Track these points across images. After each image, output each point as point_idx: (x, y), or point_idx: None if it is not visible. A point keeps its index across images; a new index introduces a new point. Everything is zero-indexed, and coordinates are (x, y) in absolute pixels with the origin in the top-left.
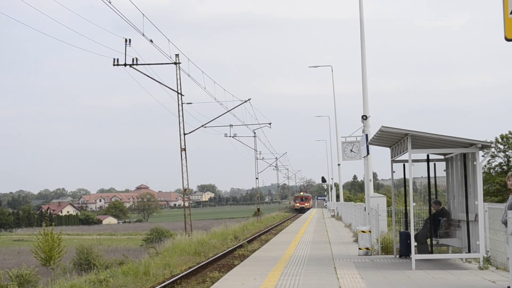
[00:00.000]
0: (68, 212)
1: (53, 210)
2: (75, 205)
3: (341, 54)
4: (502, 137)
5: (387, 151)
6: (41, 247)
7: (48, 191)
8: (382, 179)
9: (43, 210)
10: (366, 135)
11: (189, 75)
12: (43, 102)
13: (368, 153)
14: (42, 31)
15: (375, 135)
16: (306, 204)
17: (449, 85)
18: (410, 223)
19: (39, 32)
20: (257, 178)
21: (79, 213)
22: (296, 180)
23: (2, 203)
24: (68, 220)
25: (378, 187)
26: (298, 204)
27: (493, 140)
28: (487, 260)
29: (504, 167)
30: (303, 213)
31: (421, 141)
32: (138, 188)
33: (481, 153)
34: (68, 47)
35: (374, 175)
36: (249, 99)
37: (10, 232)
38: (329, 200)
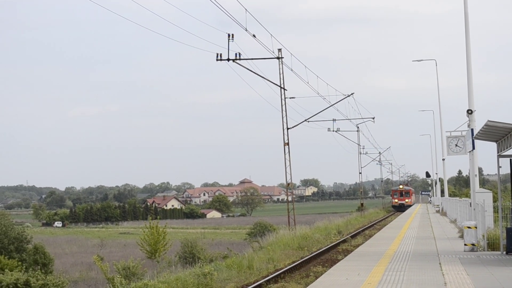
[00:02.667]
0: (172, 205)
1: (158, 204)
2: (179, 199)
3: (446, 48)
4: None
5: (493, 145)
6: (146, 240)
7: (153, 185)
8: (488, 174)
9: (148, 204)
10: (472, 130)
11: (292, 70)
12: (147, 97)
13: (473, 148)
14: (146, 26)
15: (480, 130)
16: (406, 200)
17: None
18: None
19: (143, 28)
20: (360, 173)
21: (183, 207)
22: (400, 175)
23: (108, 196)
24: (173, 214)
25: (483, 183)
26: (396, 200)
27: None
28: None
29: None
30: (403, 211)
31: None
32: (242, 182)
33: None
34: (172, 42)
35: (480, 170)
36: (352, 93)
37: (116, 225)
38: (433, 195)
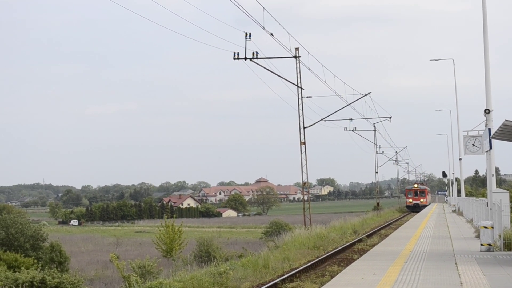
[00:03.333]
0: (188, 204)
1: (174, 203)
2: (195, 197)
3: (464, 47)
4: None
5: (510, 145)
6: (162, 239)
7: (169, 183)
8: (505, 174)
9: (164, 203)
10: (489, 129)
11: (309, 69)
12: (164, 95)
13: (490, 148)
14: (164, 25)
15: (498, 129)
16: (421, 200)
17: None
18: None
19: (161, 27)
20: (376, 172)
21: (199, 206)
22: (416, 175)
23: (124, 195)
24: (189, 213)
25: (500, 182)
26: (410, 200)
27: None
28: None
29: None
30: (418, 211)
31: None
32: (258, 181)
33: None
34: (189, 41)
35: (497, 170)
36: (369, 93)
37: (132, 224)
38: (450, 195)
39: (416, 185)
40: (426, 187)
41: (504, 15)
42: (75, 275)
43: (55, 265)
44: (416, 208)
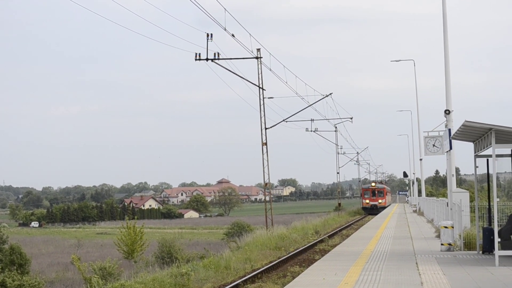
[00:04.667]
0: (150, 205)
1: (136, 204)
2: (157, 198)
3: (425, 48)
4: None
5: (470, 146)
6: (123, 240)
7: (130, 184)
8: (465, 174)
9: (126, 204)
10: (449, 130)
11: (270, 70)
12: (126, 97)
13: (451, 148)
14: (127, 26)
15: (458, 130)
16: (380, 201)
17: None
18: (493, 219)
19: (124, 28)
20: (338, 173)
21: (161, 207)
22: (377, 175)
23: (85, 196)
24: (150, 214)
25: (460, 182)
26: (367, 201)
27: None
28: None
29: None
30: (375, 214)
31: (506, 136)
32: (220, 182)
33: None
34: (152, 42)
35: (457, 170)
36: (330, 94)
37: (93, 225)
38: (410, 195)
39: (373, 184)
40: (385, 186)
41: (466, 17)
42: (36, 277)
43: (15, 267)
44: (373, 210)
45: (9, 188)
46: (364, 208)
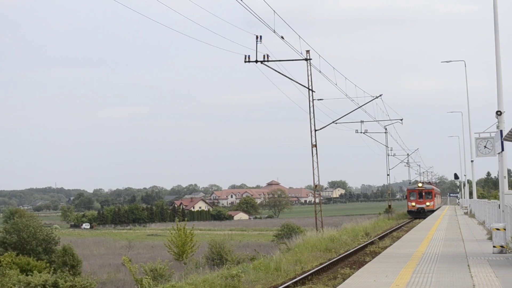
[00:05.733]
0: (200, 207)
1: (186, 206)
2: (207, 200)
3: (477, 48)
4: None
5: None
6: (174, 242)
7: (180, 187)
8: None
9: (176, 206)
10: (501, 131)
11: (320, 71)
12: (175, 99)
13: (502, 150)
14: (175, 29)
15: (510, 131)
16: (428, 204)
17: None
18: None
19: (172, 30)
20: (388, 175)
21: (211, 209)
22: (428, 177)
23: (136, 198)
24: (200, 216)
25: None
26: (413, 204)
27: None
28: None
29: None
30: (423, 218)
31: None
32: (269, 184)
33: None
34: (200, 44)
35: (509, 171)
36: (380, 95)
37: (144, 227)
38: (461, 197)
39: (420, 184)
40: (433, 187)
41: None
42: (87, 278)
43: (67, 268)
44: (420, 214)
45: (60, 190)
46: (409, 212)
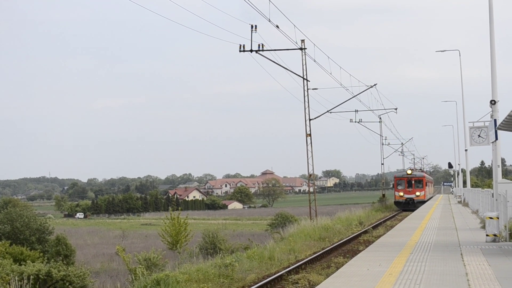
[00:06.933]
0: (194, 197)
1: (180, 195)
2: (201, 190)
3: (471, 37)
4: None
5: None
6: (168, 231)
7: (175, 176)
8: (511, 165)
9: (170, 195)
10: (495, 120)
11: (314, 61)
12: (170, 89)
13: (496, 139)
14: (172, 19)
15: (504, 120)
16: (417, 194)
17: None
18: None
19: (169, 20)
20: (382, 164)
21: (205, 198)
22: (422, 166)
23: (130, 188)
24: (194, 205)
25: (506, 173)
26: (401, 193)
27: None
28: None
29: None
30: (412, 210)
31: None
32: (263, 173)
33: None
34: (196, 34)
35: (503, 160)
36: (375, 84)
37: (138, 216)
38: (455, 186)
39: (409, 171)
40: (424, 175)
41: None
42: (81, 267)
43: (61, 258)
44: (409, 206)
45: (54, 180)
46: (397, 203)
